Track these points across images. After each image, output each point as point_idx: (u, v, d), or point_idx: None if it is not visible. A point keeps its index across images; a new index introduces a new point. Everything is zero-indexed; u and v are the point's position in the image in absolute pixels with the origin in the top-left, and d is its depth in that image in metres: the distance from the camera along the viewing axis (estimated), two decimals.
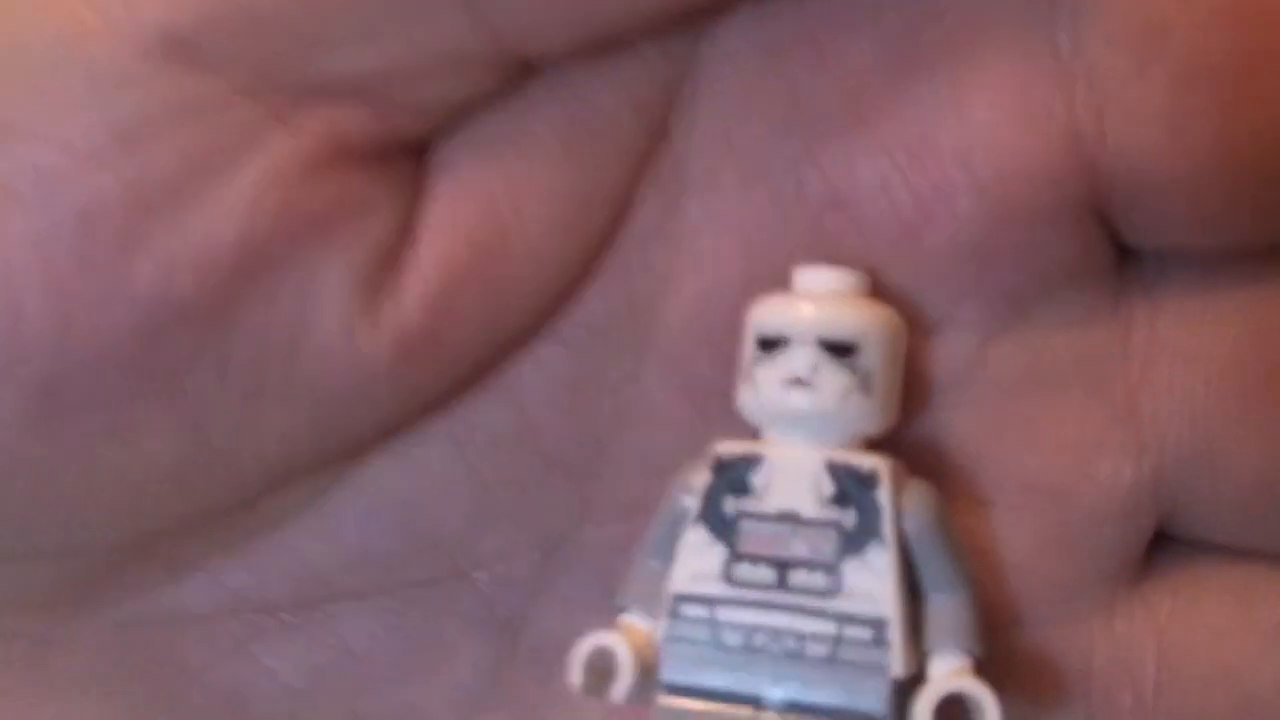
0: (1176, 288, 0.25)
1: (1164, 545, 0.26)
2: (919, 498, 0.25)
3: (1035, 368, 0.25)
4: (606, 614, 0.25)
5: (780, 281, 0.25)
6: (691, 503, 0.25)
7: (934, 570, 0.25)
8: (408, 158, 0.24)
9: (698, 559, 0.25)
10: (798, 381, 0.25)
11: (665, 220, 0.25)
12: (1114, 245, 0.25)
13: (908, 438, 0.26)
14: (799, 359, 0.25)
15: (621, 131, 0.25)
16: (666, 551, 0.25)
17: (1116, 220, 0.25)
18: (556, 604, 0.26)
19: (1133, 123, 0.23)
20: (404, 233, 0.24)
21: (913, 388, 0.26)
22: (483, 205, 0.24)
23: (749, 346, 0.25)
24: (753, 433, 0.26)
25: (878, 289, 0.25)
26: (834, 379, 0.25)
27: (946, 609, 0.25)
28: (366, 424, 0.24)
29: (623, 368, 0.26)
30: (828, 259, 0.25)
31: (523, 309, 0.25)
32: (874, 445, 0.25)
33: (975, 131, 0.24)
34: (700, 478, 0.25)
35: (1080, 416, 0.25)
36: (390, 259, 0.24)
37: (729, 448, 0.25)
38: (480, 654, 0.26)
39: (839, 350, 0.25)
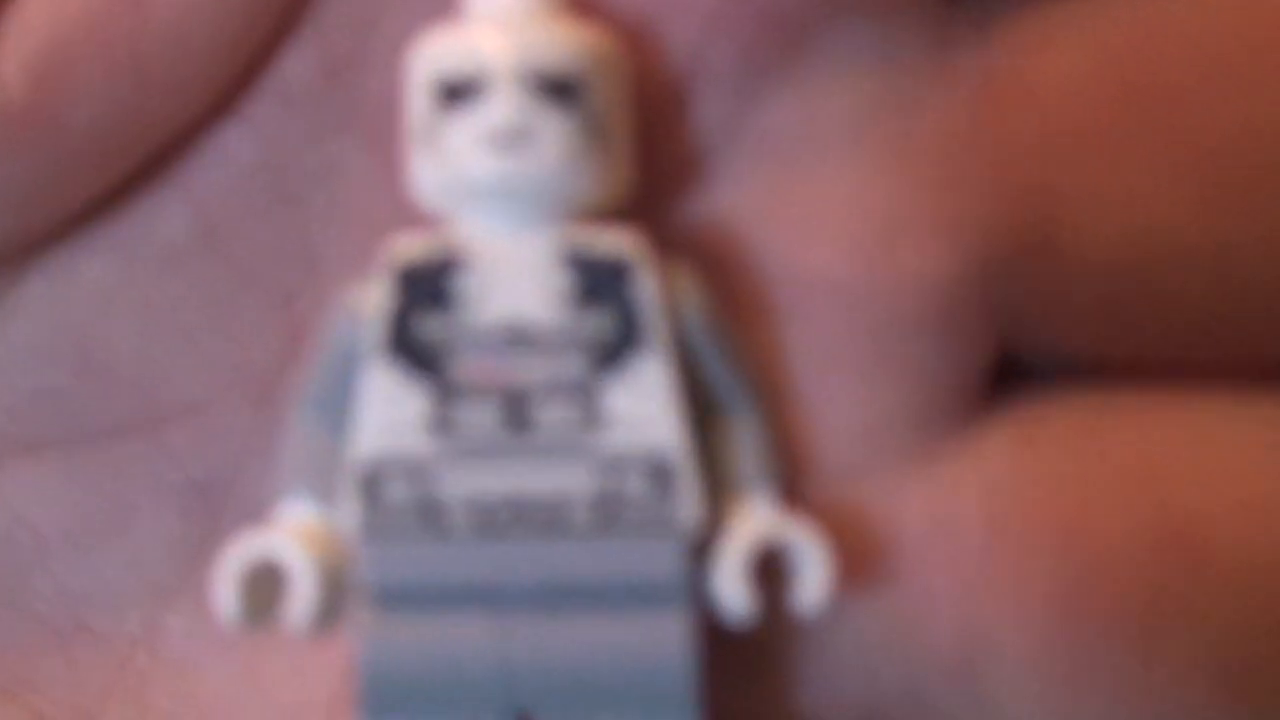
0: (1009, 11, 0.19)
1: (1004, 372, 0.20)
2: (691, 283, 0.18)
3: (817, 120, 0.19)
4: None
5: None
6: (366, 331, 0.18)
7: (725, 379, 0.18)
8: None
9: (390, 406, 0.18)
10: (504, 136, 0.17)
11: None
12: None
13: (650, 221, 0.19)
14: (503, 105, 0.17)
15: None
16: (333, 406, 0.18)
17: None
18: (263, 466, 0.21)
19: None
20: None
21: (653, 153, 0.19)
22: None
23: (419, 99, 0.18)
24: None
25: (584, 7, 0.19)
26: (555, 128, 0.17)
27: (747, 430, 0.18)
28: None
29: (325, 152, 0.20)
30: None
31: (180, 77, 0.19)
32: (609, 218, 0.18)
33: None
34: (375, 295, 0.18)
35: (882, 185, 0.19)
36: None
37: (412, 247, 0.18)
38: (173, 527, 0.21)
39: (555, 90, 0.18)
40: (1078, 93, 0.19)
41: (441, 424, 0.17)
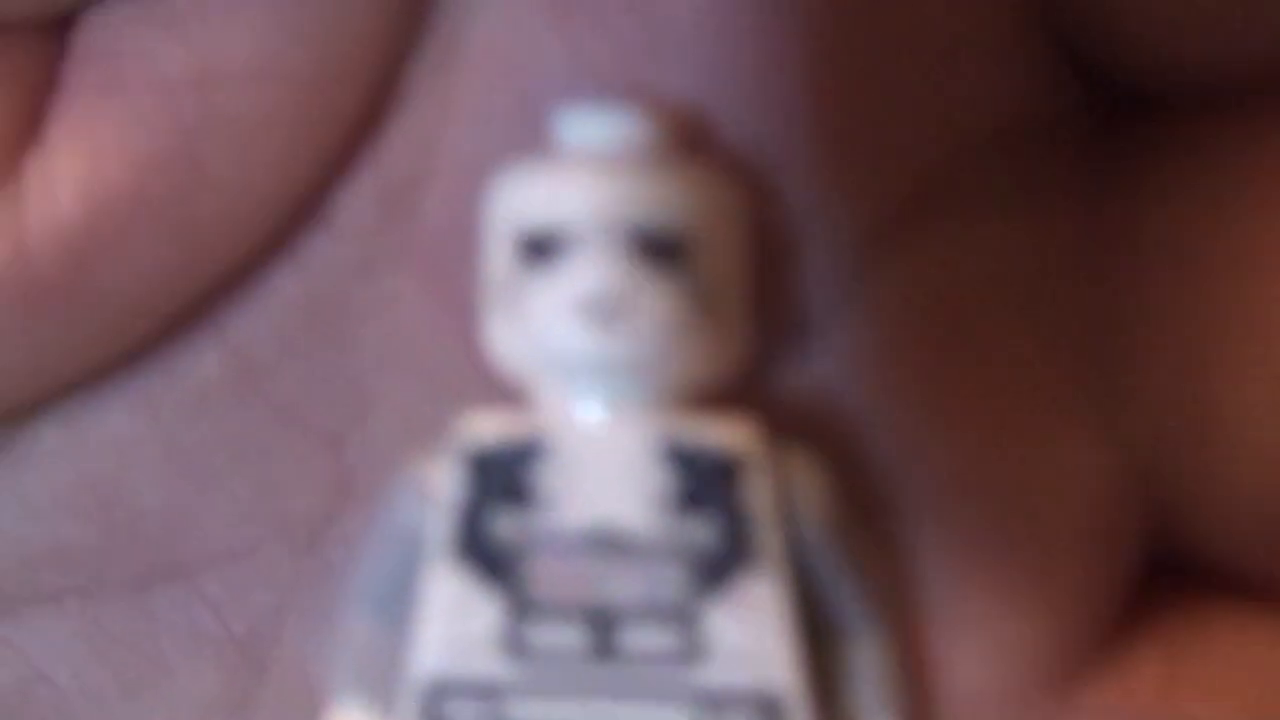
0: (1182, 153, 0.17)
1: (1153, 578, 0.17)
2: (812, 480, 0.15)
3: (956, 287, 0.16)
4: None
5: None
6: (432, 520, 0.15)
7: (846, 597, 0.15)
8: (35, 32, 0.17)
9: (458, 617, 0.15)
10: (597, 307, 0.15)
11: (434, 74, 0.17)
12: (1086, 87, 0.17)
13: (758, 396, 0.16)
14: (596, 269, 0.15)
15: None
16: (394, 598, 0.16)
17: (1094, 46, 0.16)
18: (309, 617, 0.19)
19: None
20: (24, 134, 0.17)
21: (765, 318, 0.16)
22: (155, 96, 0.17)
23: (498, 250, 0.15)
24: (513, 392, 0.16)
25: (705, 142, 0.16)
26: (658, 296, 0.15)
27: (870, 655, 0.15)
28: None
29: (375, 287, 0.18)
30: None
31: (233, 228, 0.17)
32: (716, 398, 0.16)
33: None
34: (445, 478, 0.15)
35: (1031, 367, 0.16)
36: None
37: (490, 425, 0.15)
38: (210, 684, 0.19)
39: (660, 250, 0.15)
40: (1247, 278, 0.16)
41: (516, 643, 0.15)
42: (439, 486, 0.15)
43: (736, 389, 0.15)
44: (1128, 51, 0.17)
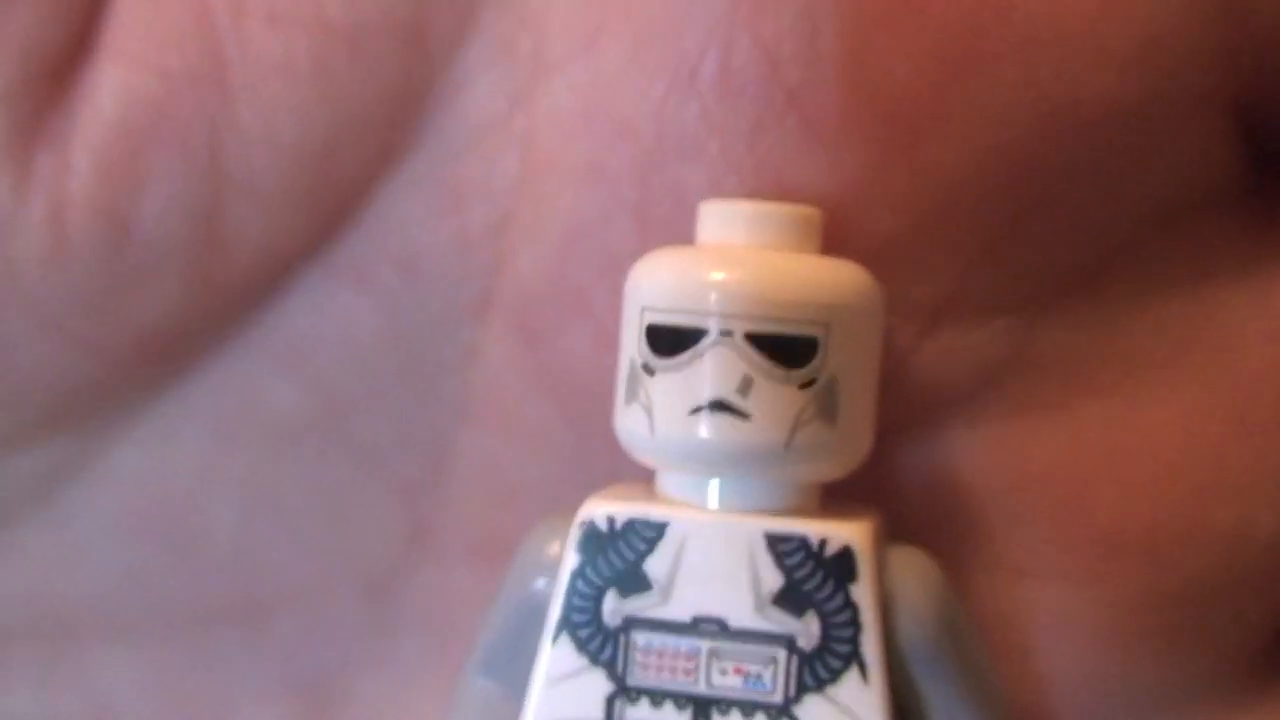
0: None
1: None
2: (920, 586, 0.15)
3: (1115, 347, 0.16)
4: (447, 692, 0.17)
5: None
6: (549, 591, 0.16)
7: (949, 706, 0.15)
8: None
9: (564, 696, 0.15)
10: (719, 406, 0.15)
11: (513, 106, 0.17)
12: (1254, 160, 0.16)
13: (880, 471, 0.16)
14: (720, 370, 0.15)
15: None
16: (512, 664, 0.16)
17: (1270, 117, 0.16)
18: (380, 669, 0.19)
19: None
20: (76, 46, 0.16)
21: (896, 391, 0.16)
22: (192, 18, 0.16)
23: (632, 341, 0.15)
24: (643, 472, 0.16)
25: (838, 237, 0.16)
26: (778, 401, 0.15)
27: None
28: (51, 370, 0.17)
29: (460, 336, 0.17)
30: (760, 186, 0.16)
31: (263, 187, 0.17)
32: (829, 491, 0.16)
33: None
34: (561, 549, 0.16)
35: (1193, 431, 0.16)
36: (52, 80, 0.16)
37: (608, 507, 0.15)
38: None
39: (786, 351, 0.15)
40: None
41: None
42: (558, 559, 0.16)
43: (857, 478, 0.16)
44: None
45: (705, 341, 0.15)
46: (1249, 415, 0.16)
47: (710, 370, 0.15)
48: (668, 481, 0.16)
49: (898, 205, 0.16)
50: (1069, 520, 0.16)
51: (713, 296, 0.15)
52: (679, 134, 0.16)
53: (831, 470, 0.15)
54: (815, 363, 0.15)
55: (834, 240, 0.16)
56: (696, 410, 0.15)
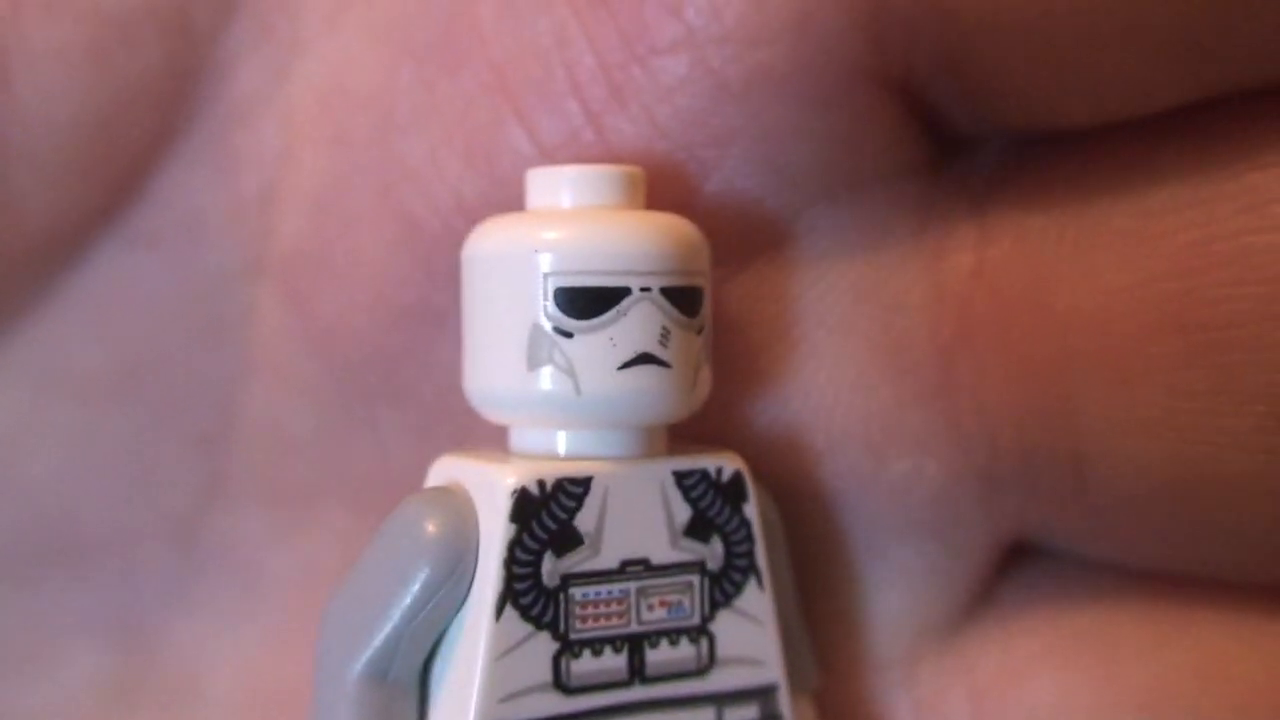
0: (1017, 200, 0.18)
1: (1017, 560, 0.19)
2: (771, 500, 0.17)
3: (790, 319, 0.18)
4: (248, 633, 0.19)
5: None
6: (464, 574, 0.15)
7: (788, 595, 0.17)
8: None
9: (513, 666, 0.15)
10: (647, 358, 0.15)
11: (276, 83, 0.18)
12: (928, 133, 0.18)
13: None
14: (644, 324, 0.15)
15: None
16: (408, 660, 0.16)
17: (932, 93, 0.18)
18: (191, 613, 0.19)
19: None
20: None
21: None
22: None
23: (533, 307, 0.15)
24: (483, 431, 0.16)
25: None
26: (687, 348, 0.16)
27: (802, 642, 0.18)
28: None
29: (239, 297, 0.19)
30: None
31: (42, 155, 0.18)
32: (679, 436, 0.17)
33: None
34: (483, 527, 0.15)
35: (867, 389, 0.18)
36: None
37: (535, 472, 0.15)
38: (95, 667, 0.20)
39: (688, 301, 0.16)
40: (1114, 317, 0.17)
41: (563, 680, 0.15)
42: (473, 537, 0.15)
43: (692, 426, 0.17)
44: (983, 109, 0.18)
45: (628, 300, 0.15)
46: (913, 373, 0.18)
47: (635, 325, 0.15)
48: (522, 439, 0.16)
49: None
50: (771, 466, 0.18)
51: (629, 256, 0.15)
52: (408, 108, 0.18)
53: (696, 408, 0.16)
54: (703, 310, 0.16)
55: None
56: (626, 365, 0.15)
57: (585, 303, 0.15)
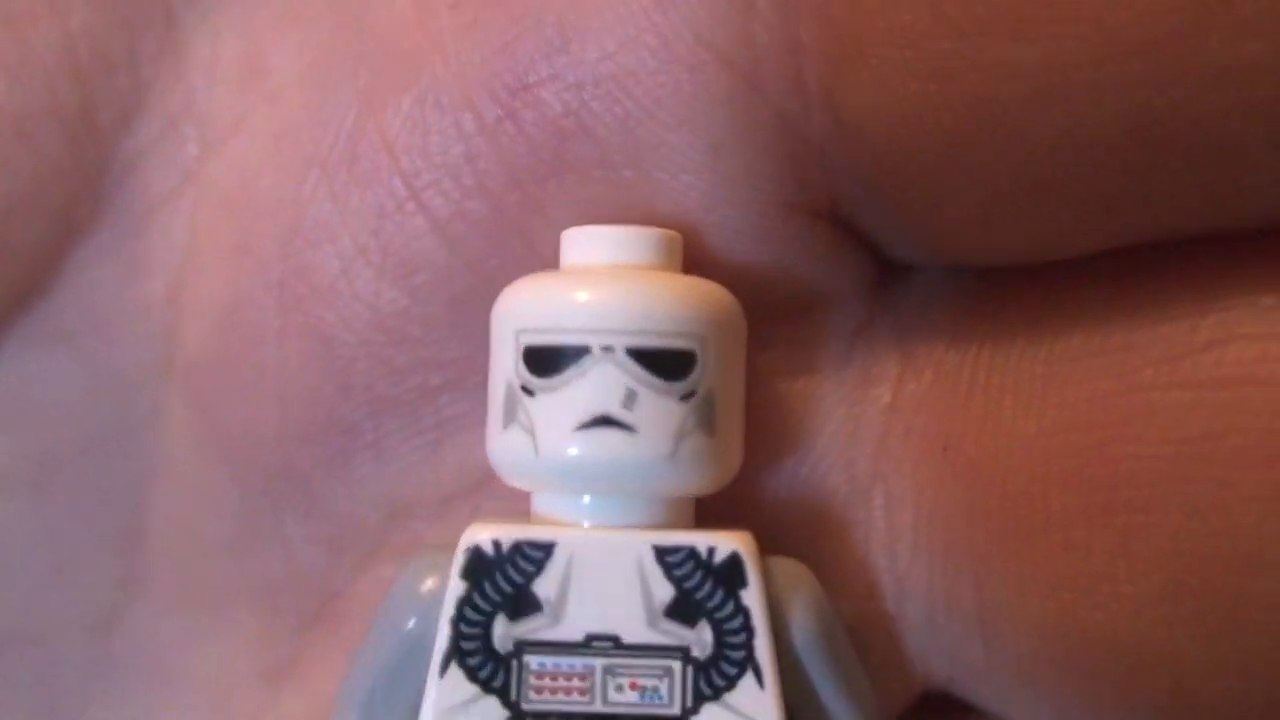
0: (939, 331, 0.17)
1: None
2: (805, 588, 0.16)
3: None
4: None
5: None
6: (428, 627, 0.15)
7: (832, 704, 0.16)
8: None
9: None
10: (605, 421, 0.15)
11: (182, 183, 0.19)
12: (868, 257, 0.17)
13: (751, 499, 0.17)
14: (604, 385, 0.15)
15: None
16: (389, 704, 0.16)
17: (863, 221, 0.16)
18: (111, 709, 0.19)
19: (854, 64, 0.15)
20: None
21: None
22: None
23: (507, 365, 0.15)
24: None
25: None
26: (661, 414, 0.15)
27: None
28: None
29: (142, 397, 0.19)
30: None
31: None
32: (706, 508, 0.16)
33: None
34: (440, 583, 0.15)
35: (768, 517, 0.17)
36: None
37: (492, 531, 0.15)
38: None
39: (665, 365, 0.15)
40: (1018, 467, 0.16)
41: None
42: (438, 593, 0.15)
43: (725, 499, 0.16)
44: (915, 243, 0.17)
45: (588, 359, 0.15)
46: (826, 513, 0.17)
47: (594, 386, 0.15)
48: (543, 503, 0.16)
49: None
50: None
51: (591, 314, 0.15)
52: (313, 219, 0.17)
53: (711, 482, 0.15)
54: (694, 375, 0.15)
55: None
56: (582, 426, 0.15)
57: (547, 361, 0.15)
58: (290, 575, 0.19)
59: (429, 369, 0.17)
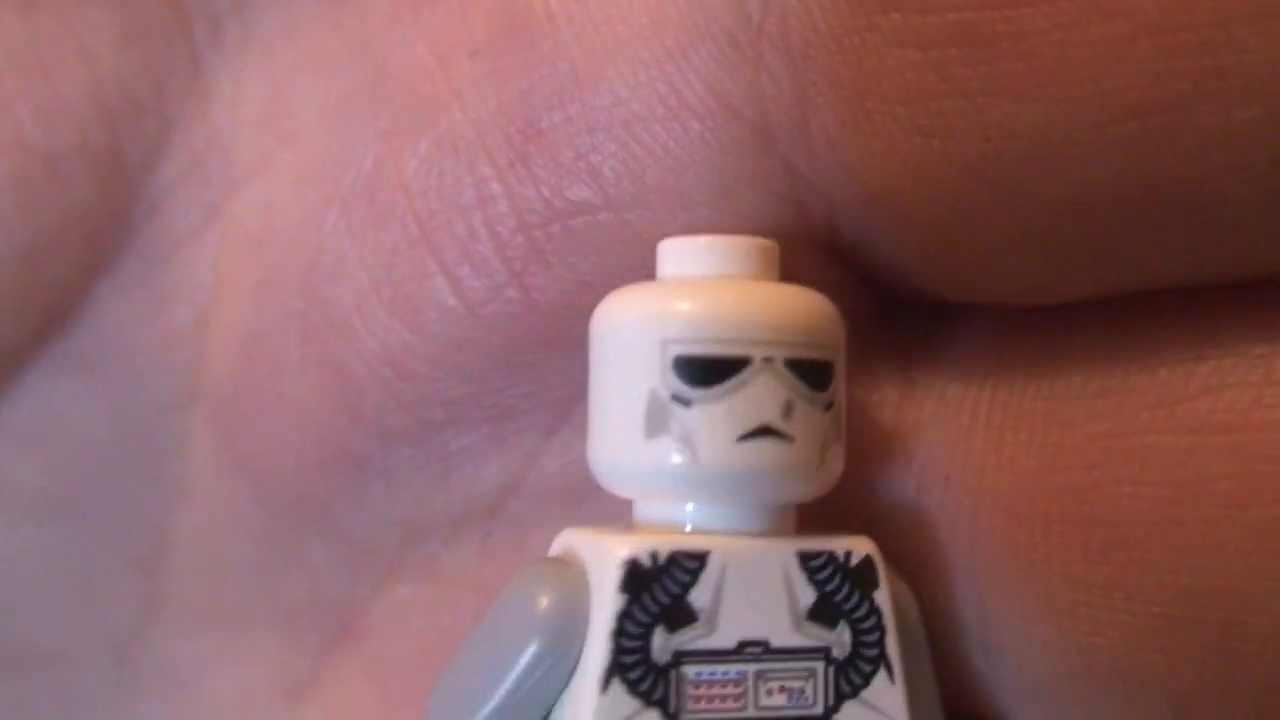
0: (942, 362, 0.17)
1: None
2: (907, 589, 0.16)
3: None
4: None
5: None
6: (572, 646, 0.15)
7: (920, 695, 0.17)
8: None
9: None
10: (767, 431, 0.15)
11: (207, 220, 0.19)
12: (868, 289, 0.18)
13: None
14: (766, 396, 0.15)
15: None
16: None
17: (862, 256, 0.17)
18: (133, 718, 0.20)
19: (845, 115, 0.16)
20: None
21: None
22: None
23: (650, 375, 0.15)
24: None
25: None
26: (813, 423, 0.15)
27: None
28: None
29: (167, 424, 0.19)
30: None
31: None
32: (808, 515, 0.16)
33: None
34: (592, 598, 0.15)
35: None
36: None
37: (648, 544, 0.15)
38: None
39: (815, 376, 0.15)
40: (1022, 501, 0.17)
41: None
42: (573, 604, 0.15)
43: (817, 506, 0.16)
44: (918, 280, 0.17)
45: (749, 370, 0.15)
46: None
47: (756, 397, 0.15)
48: (643, 513, 0.16)
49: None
50: None
51: (753, 326, 0.15)
52: (334, 254, 0.18)
53: (827, 487, 0.16)
54: (834, 385, 0.16)
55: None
56: (745, 436, 0.15)
57: (705, 371, 0.15)
58: (311, 596, 0.19)
59: (433, 405, 0.18)
